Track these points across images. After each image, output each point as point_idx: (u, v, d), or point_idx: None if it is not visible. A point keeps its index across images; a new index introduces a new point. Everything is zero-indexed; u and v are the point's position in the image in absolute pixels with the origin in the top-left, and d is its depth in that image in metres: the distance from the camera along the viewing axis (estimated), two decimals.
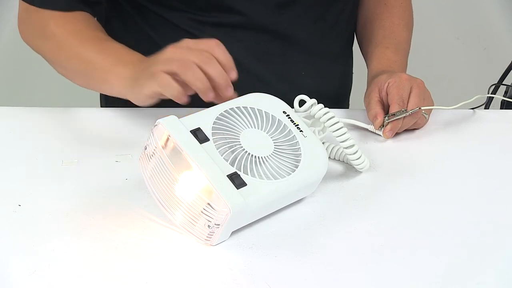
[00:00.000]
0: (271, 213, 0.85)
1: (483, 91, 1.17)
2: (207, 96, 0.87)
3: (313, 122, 0.93)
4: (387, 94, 1.03)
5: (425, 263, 0.79)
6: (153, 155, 0.82)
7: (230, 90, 0.88)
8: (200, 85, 0.87)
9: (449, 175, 0.95)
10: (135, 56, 0.99)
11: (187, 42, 0.90)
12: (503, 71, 1.22)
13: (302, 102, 0.92)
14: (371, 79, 1.10)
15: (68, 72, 1.06)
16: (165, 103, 1.06)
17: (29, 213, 0.85)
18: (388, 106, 1.02)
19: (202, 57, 0.88)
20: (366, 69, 1.19)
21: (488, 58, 2.22)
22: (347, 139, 0.91)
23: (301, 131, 0.87)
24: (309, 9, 1.13)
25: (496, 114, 1.13)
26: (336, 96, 1.22)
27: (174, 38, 1.11)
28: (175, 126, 0.81)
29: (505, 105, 1.19)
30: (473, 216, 0.87)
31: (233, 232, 0.81)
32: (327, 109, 0.91)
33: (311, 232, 0.83)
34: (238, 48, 1.11)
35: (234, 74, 0.89)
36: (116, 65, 0.98)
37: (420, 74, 1.09)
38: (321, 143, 0.88)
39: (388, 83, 1.04)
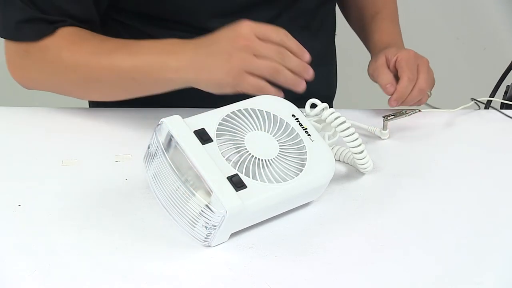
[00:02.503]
0: None
1: (483, 91, 1.16)
2: (299, 88, 0.92)
3: (324, 126, 0.91)
4: (396, 69, 1.06)
5: (425, 263, 0.79)
6: (155, 154, 0.82)
7: (310, 72, 0.94)
8: (292, 83, 0.92)
9: (449, 176, 0.95)
10: (182, 44, 0.95)
11: (252, 28, 0.91)
12: (503, 71, 1.22)
13: (313, 106, 0.91)
14: (378, 51, 1.12)
15: (102, 93, 1.00)
16: (167, 103, 1.06)
17: (29, 213, 0.85)
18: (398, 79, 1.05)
19: (282, 56, 0.91)
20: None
21: (488, 58, 2.22)
22: (359, 145, 0.90)
23: (309, 135, 0.86)
24: (294, 21, 1.13)
25: (496, 114, 1.13)
26: (323, 97, 1.21)
27: None
28: (178, 126, 0.81)
29: (505, 106, 1.19)
30: (472, 216, 0.87)
31: (233, 233, 0.81)
32: (338, 113, 0.89)
33: (311, 232, 0.83)
34: None
35: (307, 57, 0.93)
36: (168, 57, 0.93)
37: None
38: (329, 148, 0.87)
39: (397, 57, 1.06)
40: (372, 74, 1.08)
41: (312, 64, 1.17)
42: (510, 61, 1.24)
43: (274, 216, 0.84)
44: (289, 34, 0.92)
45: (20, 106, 1.09)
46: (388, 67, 1.07)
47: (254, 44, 0.90)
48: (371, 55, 1.16)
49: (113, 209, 0.85)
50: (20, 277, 0.75)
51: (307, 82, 1.17)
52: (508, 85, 1.20)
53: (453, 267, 0.79)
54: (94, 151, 0.97)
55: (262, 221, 0.83)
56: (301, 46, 0.93)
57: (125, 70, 0.96)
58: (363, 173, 0.94)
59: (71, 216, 0.84)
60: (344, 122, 0.89)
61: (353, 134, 0.89)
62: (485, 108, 1.16)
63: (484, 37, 2.25)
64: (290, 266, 0.78)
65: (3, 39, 1.02)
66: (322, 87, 1.22)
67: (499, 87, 1.20)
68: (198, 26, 1.07)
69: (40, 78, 1.04)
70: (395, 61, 1.06)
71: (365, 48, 1.25)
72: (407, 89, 1.03)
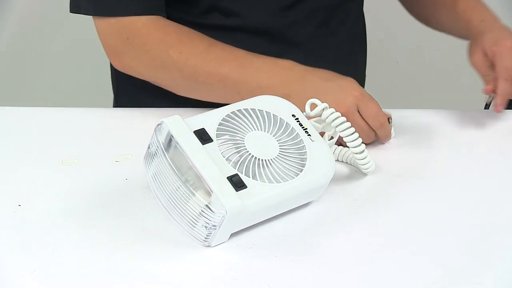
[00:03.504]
0: None
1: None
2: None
3: (324, 126, 0.91)
4: (494, 64, 1.04)
5: (425, 263, 0.79)
6: (155, 154, 0.82)
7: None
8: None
9: (449, 176, 0.95)
10: (292, 71, 0.99)
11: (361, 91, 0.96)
12: None
13: (313, 106, 0.90)
14: (476, 33, 1.10)
15: (202, 95, 1.02)
16: (166, 104, 1.06)
17: (29, 213, 0.85)
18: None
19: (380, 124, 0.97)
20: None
21: None
22: (359, 145, 0.90)
23: (309, 135, 0.86)
24: (312, 14, 1.12)
25: (496, 114, 1.12)
26: None
27: None
28: (178, 126, 0.81)
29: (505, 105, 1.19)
30: (472, 216, 0.87)
31: (233, 233, 0.81)
32: (338, 113, 0.89)
33: (311, 232, 0.83)
34: None
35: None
36: (276, 82, 0.97)
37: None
38: (329, 148, 0.87)
39: (493, 52, 1.05)
40: (474, 67, 1.08)
41: (326, 64, 1.16)
42: None
43: (274, 216, 0.84)
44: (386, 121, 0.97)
45: (20, 106, 1.08)
46: (489, 60, 1.06)
47: (364, 99, 0.95)
48: (468, 37, 1.14)
49: (113, 209, 0.85)
50: (20, 277, 0.75)
51: None
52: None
53: (453, 267, 0.79)
54: (94, 151, 0.97)
55: (262, 221, 0.83)
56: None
57: (233, 82, 0.99)
58: (363, 174, 0.94)
59: (71, 216, 0.84)
60: (344, 122, 0.89)
61: (353, 134, 0.89)
62: (485, 108, 1.16)
63: None
64: (290, 266, 0.78)
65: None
66: None
67: None
68: (206, 5, 1.07)
69: (140, 69, 1.05)
70: (492, 56, 1.05)
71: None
72: (507, 90, 1.03)
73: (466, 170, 0.96)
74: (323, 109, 0.90)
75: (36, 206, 0.86)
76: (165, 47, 1.02)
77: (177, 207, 0.80)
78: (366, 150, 0.91)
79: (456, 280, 0.77)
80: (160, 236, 0.81)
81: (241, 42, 1.09)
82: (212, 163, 0.79)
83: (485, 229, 0.85)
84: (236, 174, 0.80)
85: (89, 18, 1.06)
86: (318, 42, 1.15)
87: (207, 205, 0.78)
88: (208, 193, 0.78)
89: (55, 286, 0.75)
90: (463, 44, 1.14)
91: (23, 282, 0.75)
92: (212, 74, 1.00)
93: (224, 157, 0.81)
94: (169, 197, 0.80)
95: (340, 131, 0.89)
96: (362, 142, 0.90)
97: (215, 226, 0.78)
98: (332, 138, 0.92)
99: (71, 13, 1.08)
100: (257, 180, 0.81)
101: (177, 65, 1.01)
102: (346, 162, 0.96)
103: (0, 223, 0.83)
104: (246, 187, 0.79)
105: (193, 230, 0.79)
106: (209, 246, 0.80)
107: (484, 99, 1.04)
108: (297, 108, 0.89)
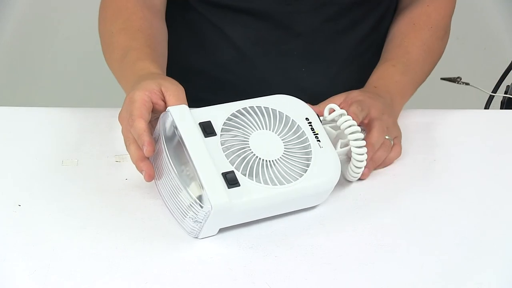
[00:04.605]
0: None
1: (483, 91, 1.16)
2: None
3: (339, 133, 0.89)
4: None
5: (425, 263, 0.79)
6: (157, 141, 0.82)
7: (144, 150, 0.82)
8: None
9: (449, 176, 0.95)
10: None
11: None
12: (503, 71, 1.22)
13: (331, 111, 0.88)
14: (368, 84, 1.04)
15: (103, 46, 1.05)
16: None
17: (29, 213, 0.85)
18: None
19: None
20: None
21: (488, 58, 2.22)
22: (362, 160, 0.88)
23: (318, 140, 0.85)
24: (318, 7, 1.10)
25: (496, 114, 1.13)
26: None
27: (187, 16, 1.12)
28: (182, 115, 0.81)
29: (505, 105, 1.19)
30: (472, 215, 0.87)
31: (233, 232, 0.82)
32: (353, 122, 0.87)
33: (311, 232, 0.83)
34: (237, 32, 1.11)
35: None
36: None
37: None
38: (337, 156, 0.85)
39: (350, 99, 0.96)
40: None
41: (329, 63, 1.15)
42: (510, 61, 1.24)
43: (274, 216, 0.84)
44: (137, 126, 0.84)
45: (20, 106, 1.08)
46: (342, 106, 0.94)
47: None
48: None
49: (113, 209, 0.85)
50: (20, 277, 0.75)
51: (311, 78, 1.15)
52: (508, 85, 1.20)
53: (454, 267, 0.79)
54: (94, 151, 0.97)
55: (263, 220, 0.83)
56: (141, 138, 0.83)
57: (115, 72, 1.00)
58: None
59: (71, 216, 0.84)
60: (357, 131, 0.87)
61: (362, 147, 0.87)
62: (485, 108, 1.16)
63: (484, 37, 2.25)
64: (290, 266, 0.78)
65: None
66: (334, 88, 1.08)
67: (499, 87, 1.20)
68: None
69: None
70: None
71: None
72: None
73: (465, 170, 0.96)
74: (340, 115, 0.88)
75: (36, 206, 0.86)
76: (108, 21, 1.03)
77: (171, 196, 0.80)
78: (363, 168, 0.90)
79: (456, 279, 0.77)
80: (160, 236, 0.81)
81: (243, 25, 1.09)
82: (209, 157, 0.79)
83: (485, 229, 0.85)
84: (232, 171, 0.79)
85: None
86: (322, 37, 1.13)
87: (196, 199, 0.77)
88: (200, 187, 0.78)
89: (55, 286, 0.75)
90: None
91: (23, 282, 0.75)
92: (112, 60, 1.01)
93: (224, 152, 0.80)
94: (166, 186, 0.81)
95: (352, 140, 0.87)
96: (365, 159, 0.88)
97: (201, 220, 0.78)
98: (345, 146, 0.89)
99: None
100: (252, 180, 0.80)
101: (103, 34, 1.04)
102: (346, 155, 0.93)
103: (0, 223, 0.83)
104: (239, 185, 0.79)
105: (183, 221, 0.80)
106: (196, 237, 0.80)
107: None
108: (313, 112, 0.87)
